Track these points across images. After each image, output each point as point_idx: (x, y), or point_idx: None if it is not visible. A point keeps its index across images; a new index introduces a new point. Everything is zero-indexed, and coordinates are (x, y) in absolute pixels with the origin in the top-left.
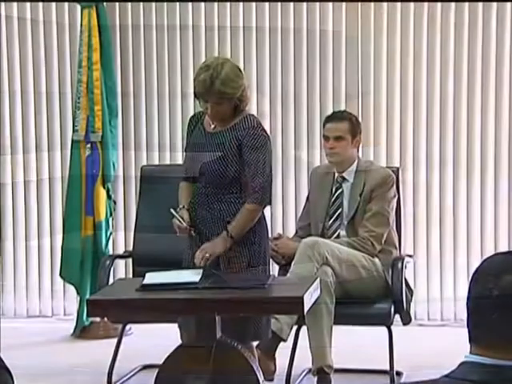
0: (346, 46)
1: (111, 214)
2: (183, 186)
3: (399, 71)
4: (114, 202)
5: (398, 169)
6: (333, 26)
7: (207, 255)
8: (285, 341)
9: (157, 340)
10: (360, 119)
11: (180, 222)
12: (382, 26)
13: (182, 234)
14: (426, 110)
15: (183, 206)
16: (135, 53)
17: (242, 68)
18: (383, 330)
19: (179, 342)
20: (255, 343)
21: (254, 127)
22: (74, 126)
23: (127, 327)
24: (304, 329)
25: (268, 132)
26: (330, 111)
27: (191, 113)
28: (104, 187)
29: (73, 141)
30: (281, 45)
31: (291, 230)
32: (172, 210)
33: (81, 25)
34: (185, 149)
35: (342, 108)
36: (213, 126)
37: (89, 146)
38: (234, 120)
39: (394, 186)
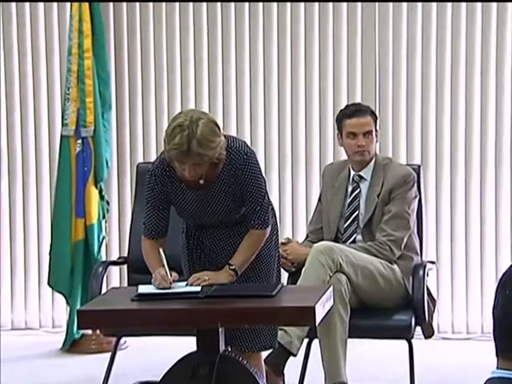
0: (361, 36)
1: (104, 217)
2: (149, 245)
3: (420, 60)
4: (108, 203)
5: (419, 167)
6: (347, 21)
7: (206, 277)
8: (295, 355)
9: (154, 354)
10: (377, 112)
11: (167, 274)
12: (401, 19)
13: (159, 284)
14: (450, 102)
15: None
16: (130, 39)
17: (219, 123)
18: (403, 343)
19: (178, 356)
20: (263, 354)
21: (243, 158)
22: (63, 119)
23: (122, 340)
24: (316, 342)
25: (249, 144)
26: (343, 105)
27: (191, 105)
28: (96, 187)
29: (62, 136)
30: (290, 35)
31: (301, 234)
32: (163, 255)
33: (70, 9)
34: (149, 202)
35: (357, 101)
36: (202, 182)
37: (79, 141)
38: (219, 167)
39: (415, 186)
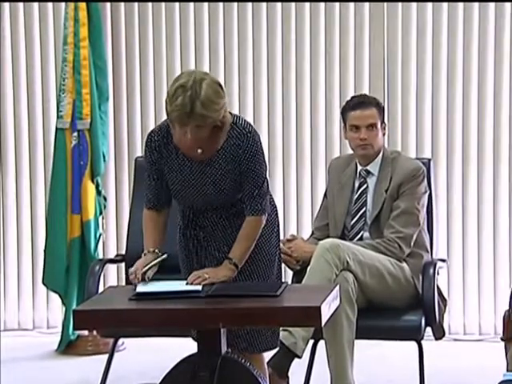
0: (369, 24)
1: (101, 213)
2: (149, 217)
3: (431, 48)
4: (105, 199)
5: (429, 160)
6: (355, 9)
7: (206, 275)
8: (299, 357)
9: (153, 356)
10: (386, 103)
11: (141, 268)
12: (410, 8)
13: (132, 279)
14: (462, 93)
15: (153, 251)
16: (128, 28)
17: (222, 83)
18: (413, 345)
19: (178, 358)
20: (265, 356)
21: (246, 136)
22: (58, 111)
23: (119, 342)
24: (321, 343)
25: (253, 124)
26: (350, 96)
27: None
28: (93, 182)
29: (57, 129)
30: (295, 25)
31: (307, 231)
32: (150, 257)
33: None
34: (149, 172)
35: (365, 93)
36: (200, 151)
37: (75, 134)
38: (221, 139)
39: (425, 181)
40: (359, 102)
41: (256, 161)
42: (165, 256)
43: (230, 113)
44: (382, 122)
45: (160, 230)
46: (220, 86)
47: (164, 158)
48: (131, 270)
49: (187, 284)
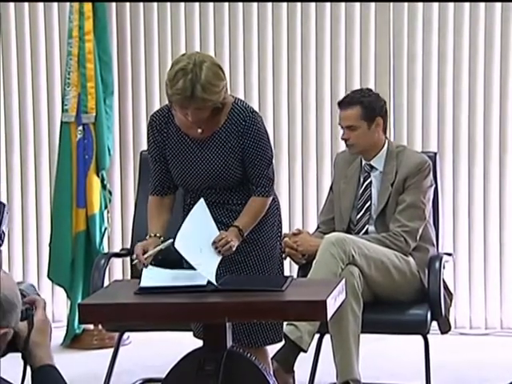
0: (375, 16)
1: (106, 207)
2: (154, 203)
3: (437, 42)
4: (110, 193)
5: (435, 154)
6: (361, 1)
7: (232, 243)
8: (305, 351)
9: (158, 350)
10: (391, 97)
11: (143, 253)
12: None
13: (137, 264)
14: (468, 87)
15: (154, 235)
16: (133, 21)
17: (221, 64)
18: (418, 339)
19: (184, 352)
20: (269, 350)
21: (248, 116)
22: (63, 105)
23: (125, 336)
24: (327, 337)
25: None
26: (356, 88)
27: None
28: (98, 175)
29: (62, 122)
30: (301, 17)
31: (312, 225)
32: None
33: None
34: (152, 155)
35: (371, 86)
36: (200, 131)
37: (80, 128)
38: (222, 118)
39: (431, 174)
40: (341, 102)
41: (260, 141)
42: (170, 241)
43: (232, 96)
44: (372, 120)
45: (164, 216)
46: (220, 67)
47: (166, 138)
48: (134, 253)
49: (214, 244)
